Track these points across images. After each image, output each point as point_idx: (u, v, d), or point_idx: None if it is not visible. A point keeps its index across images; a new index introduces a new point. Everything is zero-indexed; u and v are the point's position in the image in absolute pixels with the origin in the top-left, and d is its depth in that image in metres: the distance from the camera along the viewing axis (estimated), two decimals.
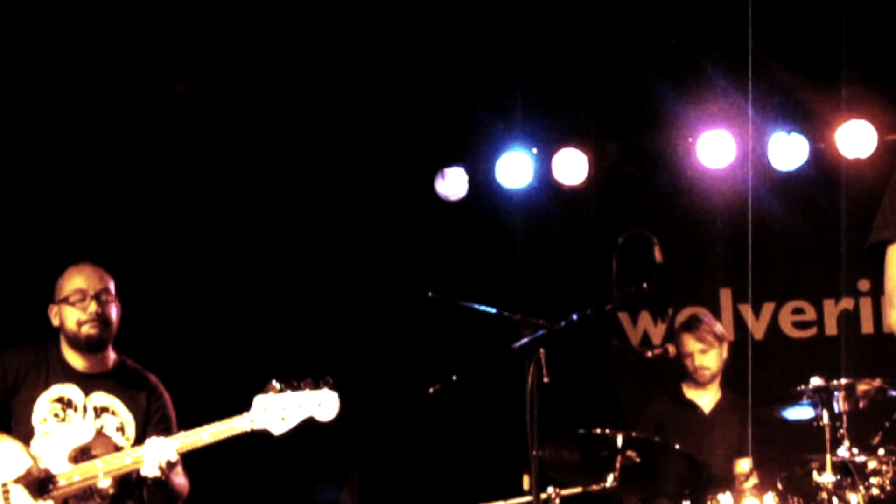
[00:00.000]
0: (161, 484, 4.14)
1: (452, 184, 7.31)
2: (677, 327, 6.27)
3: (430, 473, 7.13)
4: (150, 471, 4.07)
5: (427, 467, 7.16)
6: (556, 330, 4.82)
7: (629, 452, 4.95)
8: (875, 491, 4.95)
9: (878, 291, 7.06)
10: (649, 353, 5.61)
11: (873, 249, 2.56)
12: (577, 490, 4.93)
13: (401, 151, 7.29)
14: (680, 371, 6.17)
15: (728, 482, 5.57)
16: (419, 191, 7.34)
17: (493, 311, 5.00)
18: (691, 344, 6.03)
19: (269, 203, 7.16)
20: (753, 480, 5.39)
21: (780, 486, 5.00)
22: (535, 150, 7.23)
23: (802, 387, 5.16)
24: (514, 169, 7.20)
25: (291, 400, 4.03)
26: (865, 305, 7.20)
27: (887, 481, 5.00)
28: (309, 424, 4.08)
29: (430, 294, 5.14)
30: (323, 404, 4.02)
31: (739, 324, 7.29)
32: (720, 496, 4.92)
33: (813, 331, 7.29)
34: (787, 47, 6.66)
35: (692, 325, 6.10)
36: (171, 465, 4.10)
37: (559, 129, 7.28)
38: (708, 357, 6.03)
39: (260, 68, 6.75)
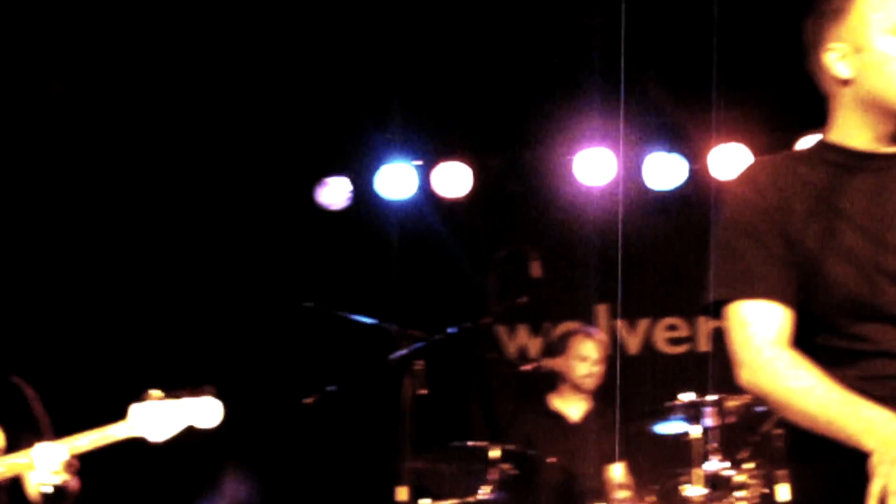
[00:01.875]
0: (61, 490, 4.03)
1: (334, 193, 7.28)
2: (573, 332, 6.28)
3: (304, 484, 7.07)
4: (46, 478, 3.95)
5: (301, 478, 7.10)
6: (434, 342, 4.84)
7: (504, 465, 4.97)
8: None
9: None
10: (525, 367, 5.66)
11: (713, 306, 2.57)
12: (452, 502, 4.93)
13: (282, 159, 7.24)
14: (551, 385, 6.21)
15: (601, 492, 5.63)
16: (300, 199, 7.29)
17: (372, 321, 4.99)
18: (589, 349, 6.08)
19: (149, 208, 7.04)
20: (626, 493, 5.45)
21: (651, 499, 5.07)
22: (417, 162, 7.24)
23: (674, 402, 5.25)
24: (396, 180, 7.20)
25: (171, 408, 3.97)
26: None
27: (754, 495, 5.12)
28: (188, 433, 4.01)
29: (307, 304, 5.11)
30: (203, 412, 3.97)
31: (614, 339, 7.38)
32: None
33: (686, 347, 7.43)
34: (664, 69, 6.77)
35: (590, 332, 6.18)
36: (70, 467, 3.99)
37: (442, 141, 7.30)
38: (599, 367, 6.10)
39: (141, 71, 6.64)
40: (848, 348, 2.46)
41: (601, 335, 6.20)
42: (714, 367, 7.05)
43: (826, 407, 2.34)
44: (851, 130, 2.55)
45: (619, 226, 6.51)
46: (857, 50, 2.50)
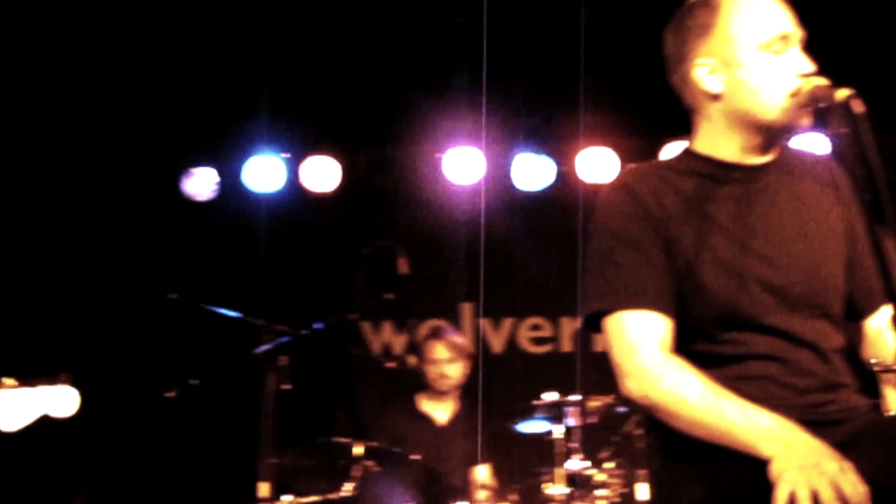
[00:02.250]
0: None
1: (200, 183, 7.14)
2: (425, 336, 6.33)
3: (164, 479, 6.92)
4: None
5: (162, 472, 6.95)
6: (299, 337, 4.79)
7: (368, 462, 4.94)
8: (602, 503, 5.12)
9: None
10: (390, 364, 5.65)
11: (590, 318, 2.59)
12: (315, 499, 4.88)
13: (147, 148, 7.08)
14: (417, 383, 6.21)
15: (464, 492, 5.64)
16: (165, 189, 7.14)
17: (237, 315, 4.92)
18: (439, 351, 6.10)
19: (8, 195, 6.81)
20: (487, 493, 5.47)
21: (513, 497, 5.09)
22: (285, 155, 7.16)
23: (537, 401, 5.29)
24: (264, 172, 7.10)
25: (25, 396, 3.83)
26: None
27: (613, 494, 5.19)
28: (43, 422, 3.89)
29: (171, 295, 5.01)
30: (60, 401, 3.84)
31: (478, 338, 7.41)
32: None
33: (549, 347, 7.50)
34: (532, 71, 6.82)
35: (440, 334, 6.19)
36: None
37: (310, 135, 7.23)
38: (453, 367, 6.11)
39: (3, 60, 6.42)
40: (721, 353, 2.51)
41: (452, 336, 6.20)
42: (579, 368, 7.15)
43: (720, 415, 2.36)
44: (719, 142, 2.60)
45: (482, 225, 6.53)
46: (726, 65, 2.55)
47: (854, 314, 2.70)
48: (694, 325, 2.54)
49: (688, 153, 2.67)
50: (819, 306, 2.57)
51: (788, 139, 2.66)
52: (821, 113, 2.42)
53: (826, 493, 2.14)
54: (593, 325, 2.59)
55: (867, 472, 2.40)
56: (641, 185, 2.58)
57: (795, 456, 2.23)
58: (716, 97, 2.59)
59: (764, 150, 2.62)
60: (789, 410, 2.42)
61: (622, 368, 2.50)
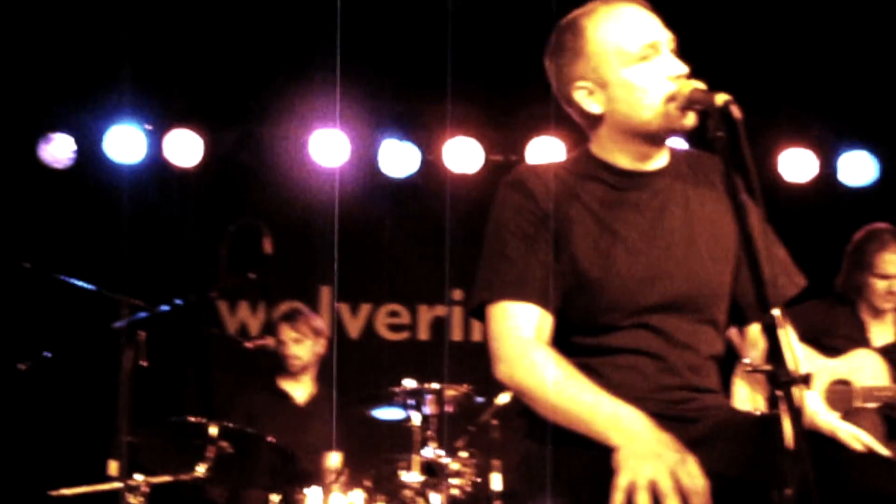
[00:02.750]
0: None
1: (57, 150, 6.93)
2: (277, 317, 6.30)
3: (12, 453, 6.70)
4: None
5: (11, 446, 6.73)
6: (158, 313, 4.70)
7: (222, 443, 4.86)
8: (455, 492, 5.16)
9: (469, 302, 7.40)
10: (249, 344, 5.59)
11: (477, 308, 2.65)
12: (166, 479, 4.79)
13: (3, 111, 6.85)
14: (277, 363, 6.17)
15: (318, 476, 5.63)
16: (21, 154, 6.91)
17: (94, 288, 4.80)
18: (286, 333, 6.10)
19: None
20: (342, 478, 5.45)
21: (367, 483, 5.09)
22: (148, 127, 7.01)
23: (396, 388, 5.31)
24: (125, 143, 6.93)
25: None
26: (457, 314, 7.51)
27: (467, 482, 5.23)
28: None
29: (25, 264, 4.87)
30: None
31: (336, 322, 7.39)
32: (308, 490, 4.94)
33: (406, 334, 7.51)
34: (402, 58, 6.81)
35: (290, 315, 6.17)
36: None
37: (175, 108, 7.09)
38: (301, 347, 6.10)
39: None
40: (598, 344, 2.59)
41: (304, 317, 6.20)
42: (446, 357, 7.18)
43: (577, 403, 2.44)
44: (614, 151, 2.69)
45: (336, 209, 6.51)
46: (602, 85, 2.64)
47: (741, 319, 2.81)
48: (576, 319, 2.62)
49: (586, 156, 2.75)
50: (702, 312, 2.66)
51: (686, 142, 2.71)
52: (703, 115, 2.47)
53: (664, 483, 2.21)
54: (479, 314, 2.65)
55: (718, 466, 2.48)
56: (537, 184, 2.65)
57: (639, 446, 2.29)
58: (599, 117, 2.67)
59: (652, 156, 2.70)
60: (647, 402, 2.51)
61: (496, 353, 2.59)
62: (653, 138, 2.65)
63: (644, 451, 2.28)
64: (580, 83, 2.66)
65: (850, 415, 4.87)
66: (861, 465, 2.40)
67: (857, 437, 2.50)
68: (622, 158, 2.69)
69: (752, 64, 6.24)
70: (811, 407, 2.62)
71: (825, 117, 7.27)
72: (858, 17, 6.45)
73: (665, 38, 2.62)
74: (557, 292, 2.60)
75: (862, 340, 5.24)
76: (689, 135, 2.64)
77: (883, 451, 2.46)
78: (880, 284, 5.23)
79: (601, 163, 2.70)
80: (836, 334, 5.18)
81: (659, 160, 2.71)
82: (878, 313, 5.30)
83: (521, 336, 2.55)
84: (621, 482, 2.24)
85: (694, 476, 2.24)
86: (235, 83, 7.06)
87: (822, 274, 5.15)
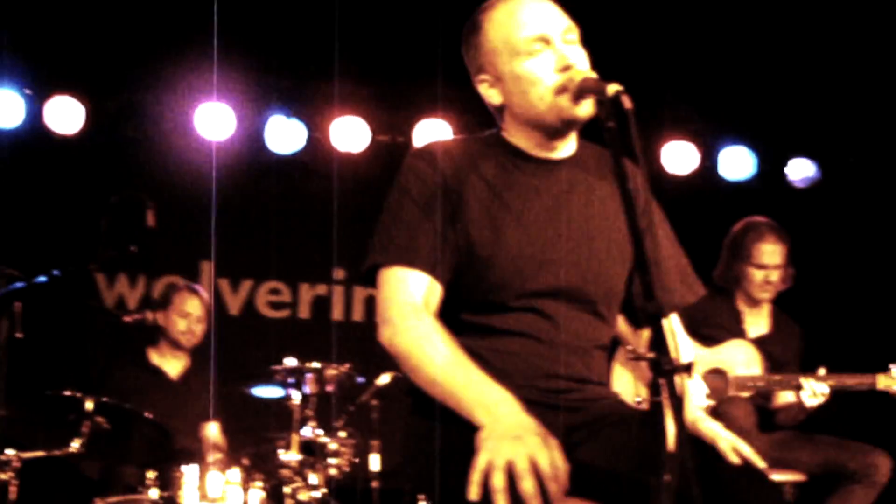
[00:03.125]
0: None
1: None
2: (177, 287, 6.11)
3: None
4: None
5: None
6: (34, 284, 4.60)
7: (98, 418, 4.76)
8: (333, 471, 5.16)
9: (350, 281, 7.40)
10: (128, 318, 5.49)
11: (369, 271, 2.66)
12: (40, 454, 4.68)
13: None
14: (149, 337, 6.04)
15: (195, 453, 5.55)
16: None
17: None
18: (192, 306, 5.95)
19: None
20: (219, 455, 5.40)
21: (245, 461, 5.05)
22: (27, 92, 6.82)
23: (276, 366, 5.27)
24: (3, 107, 6.74)
25: None
26: (338, 293, 7.48)
27: (345, 462, 5.23)
28: None
29: None
30: None
31: (214, 297, 7.29)
32: (185, 467, 4.87)
33: (287, 312, 7.46)
34: (289, 34, 6.74)
35: (196, 290, 6.04)
36: None
37: (55, 74, 6.91)
38: (200, 326, 5.99)
39: None
40: (486, 324, 2.61)
41: (205, 294, 6.10)
42: (321, 336, 7.16)
43: (452, 377, 2.46)
44: (519, 138, 2.73)
45: (216, 183, 6.44)
46: (498, 79, 2.70)
47: (635, 321, 2.86)
48: (466, 295, 2.64)
49: (496, 137, 2.79)
50: (591, 304, 2.70)
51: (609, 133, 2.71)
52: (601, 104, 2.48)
53: (521, 464, 2.22)
54: (371, 278, 2.66)
55: (599, 459, 2.52)
56: (444, 156, 2.69)
57: (501, 428, 2.31)
58: (501, 107, 2.74)
59: (555, 145, 2.73)
60: (529, 390, 2.55)
61: (381, 316, 2.60)
62: (547, 129, 2.68)
63: (505, 432, 2.29)
64: (482, 76, 2.73)
65: (724, 403, 4.99)
66: (735, 479, 2.44)
67: (735, 449, 2.53)
68: (527, 144, 2.73)
69: (636, 56, 6.31)
70: (694, 412, 2.66)
71: (706, 112, 7.42)
72: (740, 15, 6.57)
73: (559, 29, 2.64)
74: (450, 264, 2.62)
75: (738, 331, 5.37)
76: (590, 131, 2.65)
77: (759, 463, 2.50)
78: (758, 274, 5.37)
79: (509, 145, 2.74)
80: (713, 324, 5.30)
81: (565, 149, 2.75)
82: (754, 303, 5.43)
83: (409, 302, 2.56)
84: (479, 462, 2.25)
85: (552, 459, 2.25)
86: (120, 51, 6.90)
87: (702, 265, 5.26)
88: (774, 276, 5.38)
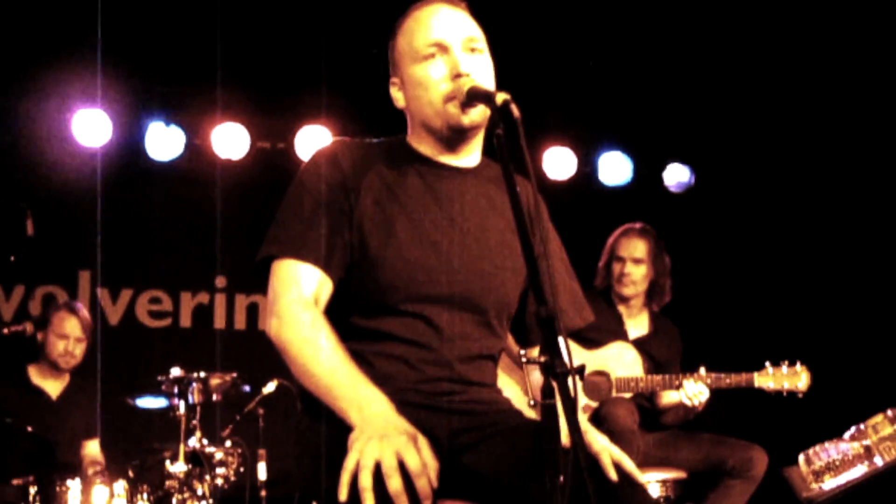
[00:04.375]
0: None
1: None
2: (57, 306, 5.94)
3: None
4: None
5: None
6: None
7: None
8: (220, 481, 5.12)
9: (233, 289, 7.34)
10: (6, 330, 5.36)
11: (262, 263, 2.66)
12: None
13: None
14: (30, 352, 5.88)
15: (77, 467, 5.46)
16: None
17: None
18: (71, 327, 5.80)
19: None
20: (98, 468, 5.31)
21: (130, 473, 4.99)
22: None
23: (161, 376, 5.21)
24: None
25: None
26: (220, 301, 7.41)
27: (231, 472, 5.20)
28: None
29: None
30: None
31: (96, 308, 7.16)
32: (69, 481, 4.79)
33: (168, 321, 7.36)
34: (169, 41, 6.68)
35: (74, 309, 5.88)
36: None
37: None
38: (80, 347, 5.83)
39: None
40: (372, 328, 2.62)
41: (85, 313, 5.94)
42: (203, 344, 7.08)
43: (330, 374, 2.47)
44: (420, 141, 2.77)
45: (99, 191, 6.35)
46: (402, 82, 2.75)
47: (525, 340, 2.91)
48: (357, 297, 2.65)
49: (400, 142, 2.81)
50: (479, 312, 2.72)
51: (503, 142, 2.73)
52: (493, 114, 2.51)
53: (388, 463, 2.23)
54: (263, 270, 2.66)
55: (486, 466, 2.55)
56: (346, 157, 2.70)
57: (370, 428, 2.32)
58: (405, 109, 2.79)
59: (455, 153, 2.76)
60: (413, 393, 2.58)
61: (270, 308, 2.61)
62: (440, 135, 2.71)
63: (373, 432, 2.30)
64: (392, 79, 2.79)
65: (607, 404, 5.08)
66: (613, 495, 2.48)
67: (618, 463, 2.56)
68: (427, 150, 2.76)
69: (516, 64, 6.39)
70: (583, 422, 2.69)
71: (584, 119, 7.54)
72: (615, 22, 6.70)
73: (459, 38, 2.68)
74: (342, 262, 2.64)
75: (619, 333, 5.47)
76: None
77: (640, 479, 2.55)
78: (617, 268, 5.50)
79: (411, 150, 2.77)
80: (594, 327, 5.34)
81: (466, 159, 2.78)
82: (627, 303, 5.54)
83: (298, 295, 2.57)
84: (348, 462, 2.27)
85: (419, 457, 2.27)
86: None
87: (582, 268, 5.35)
88: (634, 270, 5.49)
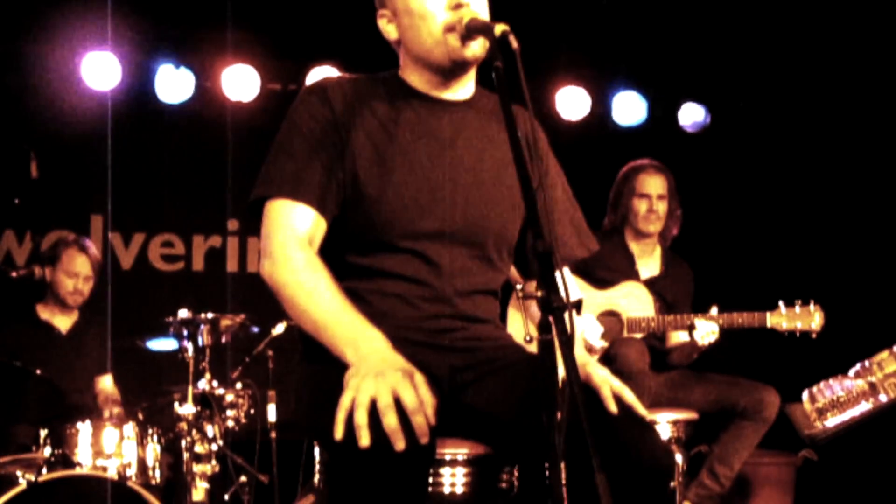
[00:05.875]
0: None
1: None
2: (65, 243, 5.92)
3: None
4: None
5: None
6: None
7: None
8: (230, 423, 5.13)
9: (245, 232, 7.32)
10: (15, 273, 5.36)
11: (255, 204, 2.63)
12: None
13: None
14: (38, 292, 5.89)
15: (90, 408, 5.47)
16: None
17: None
18: (80, 264, 5.75)
19: None
20: (116, 409, 5.33)
21: (140, 415, 4.99)
22: None
23: (169, 318, 5.20)
24: None
25: None
26: (232, 244, 7.40)
27: (242, 414, 5.20)
28: None
29: None
30: None
31: (107, 251, 7.15)
32: (79, 424, 4.79)
33: (180, 265, 7.35)
34: None
35: (84, 247, 5.83)
36: None
37: None
38: (89, 285, 5.82)
39: None
40: (367, 265, 2.60)
41: (94, 250, 5.92)
42: (216, 287, 7.07)
43: (326, 314, 2.44)
44: (414, 76, 2.72)
45: (110, 134, 6.33)
46: (395, 13, 2.70)
47: (526, 272, 2.87)
48: (352, 235, 2.63)
49: (392, 76, 2.77)
50: (480, 248, 2.70)
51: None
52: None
53: (383, 400, 2.20)
54: (257, 210, 2.63)
55: (486, 403, 2.53)
56: (336, 93, 2.66)
57: (365, 365, 2.29)
58: (397, 42, 2.73)
59: (450, 86, 2.71)
60: (413, 331, 2.58)
61: (264, 249, 2.59)
62: (442, 68, 2.66)
63: (369, 369, 2.27)
64: (382, 11, 2.74)
65: (618, 344, 5.05)
66: (616, 420, 2.46)
67: (620, 395, 2.53)
68: (421, 84, 2.72)
69: (528, 3, 6.32)
70: (584, 355, 2.66)
71: (598, 58, 7.46)
72: None
73: None
74: (336, 200, 2.61)
75: (631, 273, 5.44)
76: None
77: (641, 410, 2.51)
78: (642, 205, 5.45)
79: (404, 85, 2.73)
80: (606, 267, 5.36)
81: (461, 91, 2.74)
82: (644, 240, 5.50)
83: (292, 236, 2.55)
84: (344, 400, 2.24)
85: (415, 393, 2.24)
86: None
87: (596, 210, 5.32)
88: (660, 206, 5.46)
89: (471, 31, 2.55)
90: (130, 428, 4.86)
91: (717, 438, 5.29)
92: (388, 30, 2.72)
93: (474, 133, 2.73)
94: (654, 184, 5.47)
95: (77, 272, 5.77)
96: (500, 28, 2.41)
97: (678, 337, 5.35)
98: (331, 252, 2.60)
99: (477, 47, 2.60)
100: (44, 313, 5.87)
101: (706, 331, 5.05)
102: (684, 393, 5.27)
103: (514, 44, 2.37)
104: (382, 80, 2.76)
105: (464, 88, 2.74)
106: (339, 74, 2.83)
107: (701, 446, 5.54)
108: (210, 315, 5.23)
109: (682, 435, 4.78)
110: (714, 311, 5.10)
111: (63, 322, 5.88)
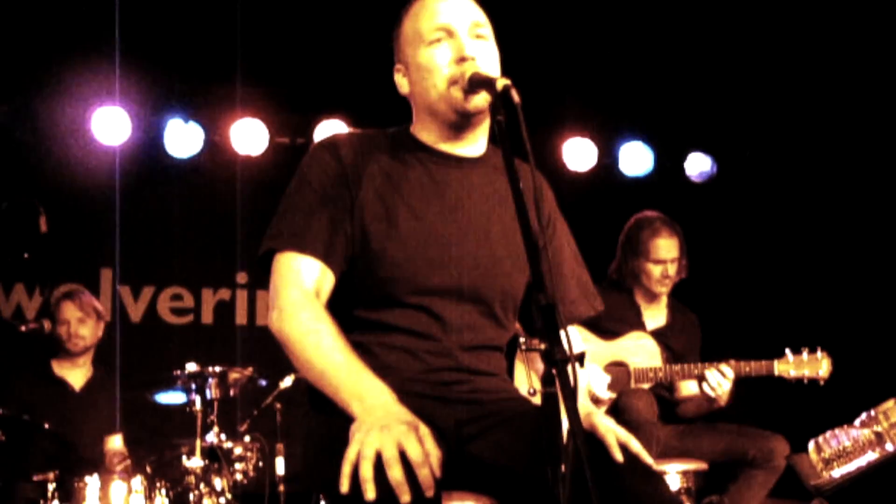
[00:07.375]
0: None
1: None
2: (57, 296, 6.00)
3: None
4: None
5: None
6: None
7: None
8: (239, 476, 5.12)
9: (254, 285, 7.34)
10: (24, 327, 5.38)
11: (264, 257, 2.64)
12: None
13: None
14: (52, 348, 5.92)
15: (97, 463, 5.47)
16: None
17: None
18: (69, 311, 5.83)
19: None
20: (123, 464, 5.33)
21: (148, 469, 4.99)
22: None
23: (177, 371, 5.21)
24: None
25: None
26: (241, 297, 7.42)
27: (250, 467, 5.20)
28: None
29: None
30: None
31: (117, 305, 7.19)
32: (88, 478, 4.79)
33: (190, 318, 7.37)
34: (189, 38, 6.68)
35: (72, 294, 5.91)
36: None
37: None
38: (85, 327, 5.86)
39: None
40: (375, 320, 2.60)
41: (86, 295, 5.97)
42: (225, 341, 7.08)
43: (332, 366, 2.45)
44: (423, 131, 2.75)
45: (119, 188, 6.37)
46: (407, 67, 2.73)
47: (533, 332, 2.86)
48: (359, 289, 2.64)
49: (404, 131, 2.80)
50: (487, 305, 2.70)
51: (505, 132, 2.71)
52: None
53: (388, 453, 2.19)
54: (266, 263, 2.65)
55: (493, 455, 2.53)
56: (347, 149, 2.69)
57: (370, 418, 2.29)
58: (409, 96, 2.77)
59: (459, 141, 2.74)
60: (417, 384, 2.57)
61: (273, 302, 2.60)
62: (445, 120, 2.69)
63: (374, 422, 2.26)
64: (397, 65, 2.78)
65: (626, 395, 5.04)
66: (622, 471, 2.44)
67: (626, 444, 2.52)
68: (431, 139, 2.75)
69: (535, 56, 6.37)
70: (588, 405, 2.66)
71: (605, 109, 7.50)
72: (636, 14, 6.66)
73: (466, 23, 2.67)
74: (344, 254, 2.62)
75: (637, 324, 5.42)
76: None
77: (647, 459, 2.50)
78: (656, 270, 5.42)
79: (415, 140, 2.76)
80: (612, 318, 5.34)
81: (471, 148, 2.76)
82: (652, 297, 5.49)
83: (299, 289, 2.56)
84: (350, 454, 2.23)
85: (423, 447, 2.23)
86: (13, 54, 6.77)
87: (603, 260, 5.33)
88: (672, 269, 5.45)
89: (473, 84, 2.58)
90: (139, 482, 4.86)
91: (726, 488, 5.26)
92: (402, 83, 2.76)
93: (483, 190, 2.75)
94: (668, 248, 5.42)
95: (67, 319, 5.81)
96: (501, 82, 2.43)
97: (687, 388, 5.33)
98: (338, 306, 2.61)
99: (479, 100, 2.62)
100: (58, 369, 5.89)
101: (717, 381, 5.03)
102: (693, 443, 5.24)
103: (516, 98, 2.39)
104: (393, 135, 2.79)
105: (474, 145, 2.76)
106: (350, 129, 2.87)
107: (712, 497, 5.50)
108: (218, 368, 5.24)
109: (693, 485, 4.76)
110: (728, 364, 5.06)
111: (77, 378, 5.90)
